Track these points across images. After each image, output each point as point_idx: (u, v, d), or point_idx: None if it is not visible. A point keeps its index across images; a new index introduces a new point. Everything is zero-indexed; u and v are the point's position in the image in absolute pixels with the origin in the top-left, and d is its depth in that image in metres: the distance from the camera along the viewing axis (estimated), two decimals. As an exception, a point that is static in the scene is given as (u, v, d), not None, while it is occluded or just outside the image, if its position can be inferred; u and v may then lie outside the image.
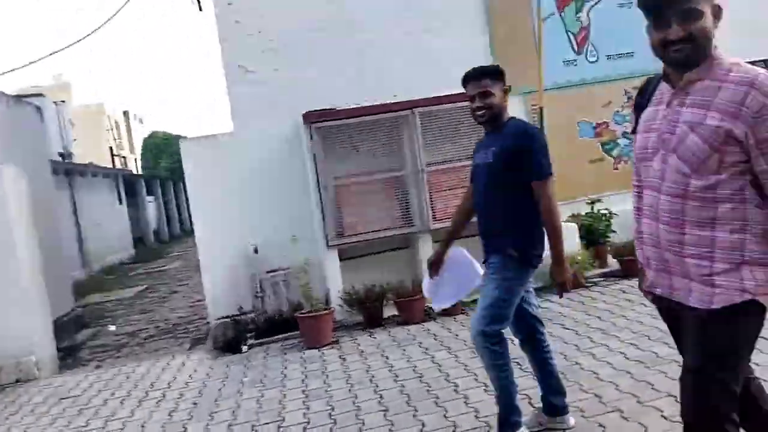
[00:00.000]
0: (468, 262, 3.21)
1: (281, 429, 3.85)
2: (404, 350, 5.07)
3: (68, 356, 6.91)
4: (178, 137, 22.29)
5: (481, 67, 3.05)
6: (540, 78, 6.22)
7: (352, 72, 6.53)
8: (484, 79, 2.95)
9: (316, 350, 5.44)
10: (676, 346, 2.11)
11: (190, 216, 6.74)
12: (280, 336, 5.94)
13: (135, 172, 31.29)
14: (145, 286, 12.38)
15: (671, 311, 1.99)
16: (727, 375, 1.83)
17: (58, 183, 12.02)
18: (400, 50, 6.59)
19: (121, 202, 20.50)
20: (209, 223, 6.41)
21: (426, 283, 3.36)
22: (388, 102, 6.27)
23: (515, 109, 6.60)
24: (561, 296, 3.02)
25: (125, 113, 46.45)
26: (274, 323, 6.11)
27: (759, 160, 1.74)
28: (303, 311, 5.83)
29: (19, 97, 8.99)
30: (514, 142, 2.91)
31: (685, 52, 1.78)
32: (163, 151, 32.23)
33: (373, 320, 5.94)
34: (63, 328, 7.47)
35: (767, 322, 1.88)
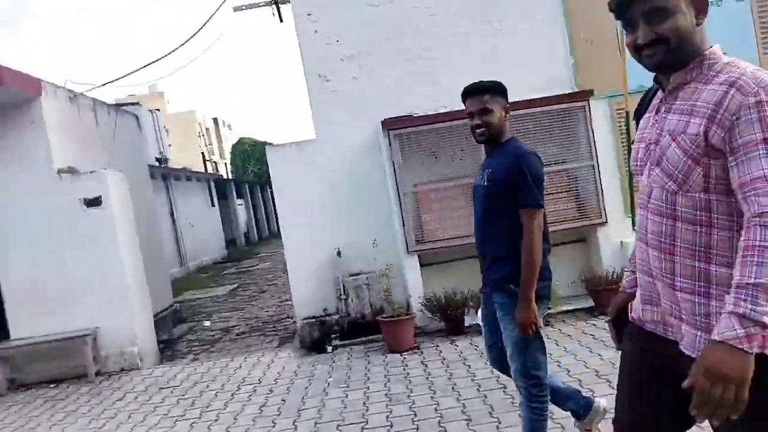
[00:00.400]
0: None
1: (365, 430, 3.96)
2: (487, 360, 5.04)
3: (167, 348, 7.37)
4: (265, 143, 23.10)
5: (480, 82, 2.85)
6: (624, 80, 6.01)
7: (429, 78, 6.56)
8: (483, 95, 2.79)
9: (398, 355, 5.54)
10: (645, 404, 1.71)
11: (277, 219, 7.01)
12: (363, 339, 6.08)
13: (225, 176, 32.75)
14: (236, 284, 12.96)
15: (656, 354, 1.66)
16: None
17: (155, 186, 12.82)
18: (477, 54, 6.55)
19: (213, 205, 21.56)
20: (295, 226, 6.64)
21: None
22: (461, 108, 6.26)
23: (599, 114, 6.46)
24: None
25: (215, 120, 48.76)
26: (357, 325, 6.26)
27: (733, 172, 1.43)
28: (385, 315, 5.94)
29: (118, 106, 9.62)
30: (506, 166, 2.76)
31: (658, 55, 1.55)
32: (250, 157, 33.54)
33: (454, 328, 5.96)
34: (162, 322, 7.99)
35: None
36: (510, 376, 2.94)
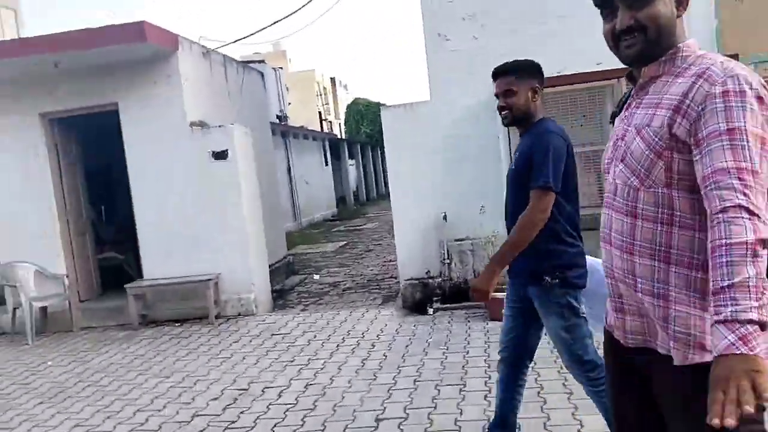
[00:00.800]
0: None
1: (462, 392, 4.02)
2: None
3: (279, 298, 7.82)
4: (379, 104, 23.26)
5: (511, 62, 2.76)
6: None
7: (552, 40, 6.26)
8: (508, 76, 2.72)
9: (499, 323, 5.49)
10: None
11: (386, 180, 7.11)
12: (465, 304, 6.10)
13: (339, 136, 33.53)
14: (345, 242, 13.40)
15: (624, 365, 1.60)
16: None
17: (275, 143, 13.38)
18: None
19: (326, 164, 22.22)
20: (404, 187, 6.72)
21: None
22: (590, 71, 5.95)
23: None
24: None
25: (332, 80, 49.76)
26: (459, 290, 6.28)
27: (698, 165, 1.34)
28: (489, 282, 5.90)
29: (245, 63, 10.02)
30: (529, 146, 2.65)
31: (637, 45, 1.47)
32: (364, 117, 34.05)
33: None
34: (276, 272, 8.47)
35: None
36: (514, 369, 2.96)
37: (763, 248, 1.23)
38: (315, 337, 5.74)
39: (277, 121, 19.83)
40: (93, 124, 7.46)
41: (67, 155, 7.47)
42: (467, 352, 4.81)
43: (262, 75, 10.19)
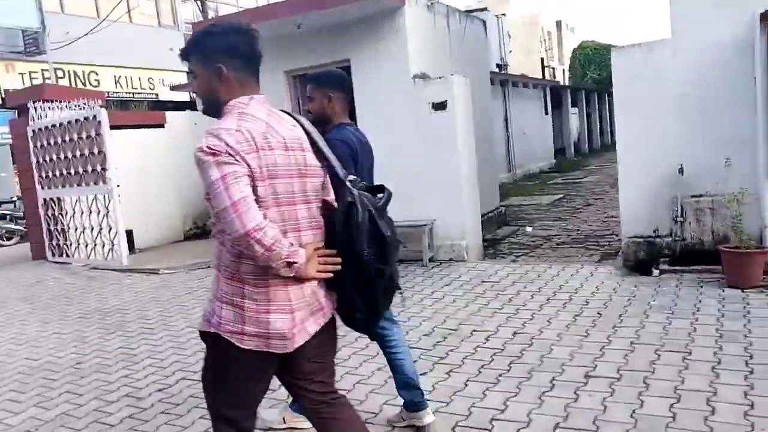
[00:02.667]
0: None
1: (686, 361, 3.68)
2: None
3: (490, 247, 7.87)
4: (609, 47, 21.49)
5: (316, 73, 3.23)
6: None
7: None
8: (310, 84, 3.12)
9: (739, 291, 4.89)
10: None
11: (612, 129, 6.59)
12: (697, 267, 5.51)
13: (562, 83, 31.87)
14: (561, 195, 12.89)
15: None
16: (210, 396, 2.15)
17: (493, 93, 13.21)
18: None
19: (546, 113, 21.35)
20: (633, 137, 6.17)
21: None
22: None
23: None
24: None
25: (558, 23, 47.07)
26: (691, 252, 5.68)
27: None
28: (729, 245, 5.24)
29: (468, 12, 9.94)
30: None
31: (202, 106, 2.11)
32: (591, 62, 31.85)
33: (822, 270, 4.95)
34: (488, 222, 8.51)
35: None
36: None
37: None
38: (525, 288, 5.69)
39: (497, 69, 19.49)
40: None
41: (305, 108, 8.28)
42: (696, 319, 4.36)
43: (484, 23, 10.03)
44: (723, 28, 5.59)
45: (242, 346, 1.97)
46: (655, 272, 5.63)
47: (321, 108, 3.06)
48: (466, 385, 3.69)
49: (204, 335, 2.06)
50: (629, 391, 3.38)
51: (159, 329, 5.54)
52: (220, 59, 1.98)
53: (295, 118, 2.12)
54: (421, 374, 3.78)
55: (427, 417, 3.15)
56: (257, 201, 1.87)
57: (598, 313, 4.73)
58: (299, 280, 1.97)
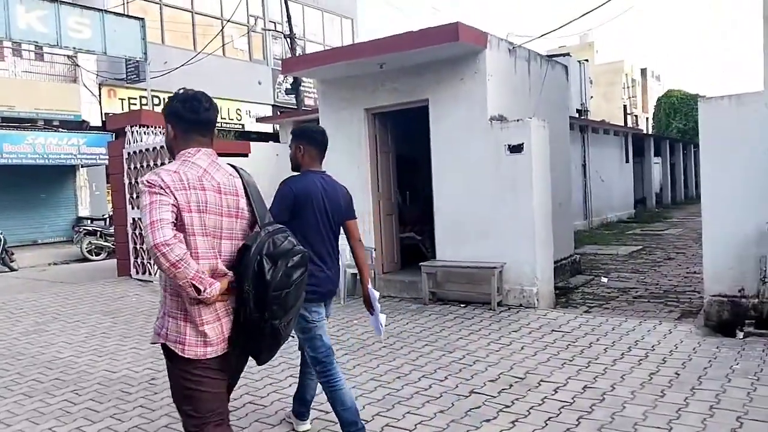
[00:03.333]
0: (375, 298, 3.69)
1: (772, 432, 3.43)
2: None
3: (562, 296, 7.65)
4: (696, 96, 20.78)
5: (296, 128, 3.76)
6: None
7: None
8: (292, 139, 3.69)
9: (835, 361, 4.52)
10: None
11: (697, 181, 6.33)
12: (788, 332, 5.15)
13: (645, 131, 30.96)
14: (640, 246, 12.42)
15: None
16: (180, 412, 2.53)
17: (572, 137, 13.01)
18: None
19: (627, 161, 20.76)
20: (719, 191, 5.90)
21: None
22: None
23: None
24: None
25: (643, 71, 46.02)
26: (781, 316, 5.32)
27: None
28: (825, 311, 4.87)
29: (550, 57, 9.93)
30: None
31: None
32: (677, 111, 30.87)
33: None
34: (561, 269, 8.29)
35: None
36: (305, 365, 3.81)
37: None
38: (598, 341, 5.49)
39: (577, 115, 19.21)
40: (403, 119, 8.27)
41: (383, 145, 8.47)
42: (784, 389, 4.07)
43: (566, 68, 9.99)
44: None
45: (184, 355, 2.35)
46: (740, 334, 5.31)
47: (294, 156, 3.66)
48: (531, 436, 3.58)
49: (163, 347, 2.43)
50: (707, 459, 3.18)
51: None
52: (170, 121, 2.53)
53: (238, 172, 2.57)
54: (484, 421, 3.73)
55: (302, 426, 3.86)
56: (183, 228, 2.29)
57: (676, 373, 4.49)
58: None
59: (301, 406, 3.86)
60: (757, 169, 5.68)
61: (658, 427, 3.58)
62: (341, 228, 3.68)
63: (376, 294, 3.71)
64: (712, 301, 5.77)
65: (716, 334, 5.47)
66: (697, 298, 6.97)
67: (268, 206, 2.70)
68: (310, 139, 3.64)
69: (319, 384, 3.58)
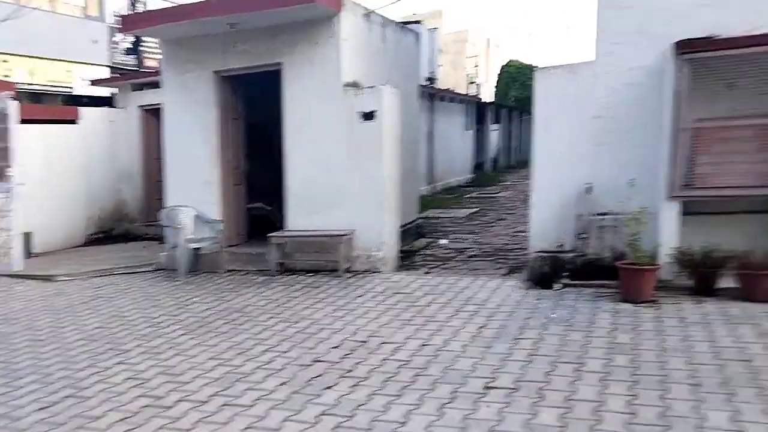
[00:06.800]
0: None
1: (579, 372, 3.87)
2: (735, 328, 4.48)
3: (406, 259, 7.96)
4: (532, 67, 22.31)
5: None
6: None
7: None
8: None
9: (631, 305, 5.20)
10: None
11: (529, 147, 6.83)
12: (596, 282, 5.81)
13: (485, 100, 32.80)
14: (476, 209, 13.25)
15: None
16: None
17: (420, 105, 13.39)
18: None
19: (468, 128, 21.91)
20: (549, 155, 6.40)
21: None
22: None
23: None
24: None
25: (488, 41, 48.36)
26: (591, 267, 5.98)
27: None
28: (625, 261, 5.56)
29: (403, 24, 9.89)
30: None
31: None
32: (515, 80, 32.95)
33: (704, 287, 5.36)
34: (406, 234, 8.59)
35: None
36: None
37: None
38: (435, 300, 5.80)
39: (426, 83, 19.79)
40: (255, 82, 7.94)
41: (233, 111, 8.09)
42: (590, 332, 4.60)
43: (418, 36, 9.99)
44: (642, 55, 5.89)
45: None
46: (557, 286, 5.90)
47: None
48: (371, 398, 3.71)
49: None
50: (525, 402, 3.51)
51: (49, 341, 5.24)
52: None
53: None
54: (326, 388, 3.80)
55: None
56: None
57: (502, 326, 4.89)
58: None
59: None
60: (581, 135, 6.22)
61: (485, 377, 3.89)
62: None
63: None
64: (536, 256, 6.33)
65: (538, 287, 6.02)
66: (523, 255, 7.59)
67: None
68: None
69: None
